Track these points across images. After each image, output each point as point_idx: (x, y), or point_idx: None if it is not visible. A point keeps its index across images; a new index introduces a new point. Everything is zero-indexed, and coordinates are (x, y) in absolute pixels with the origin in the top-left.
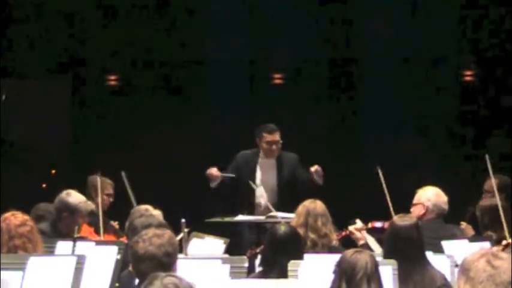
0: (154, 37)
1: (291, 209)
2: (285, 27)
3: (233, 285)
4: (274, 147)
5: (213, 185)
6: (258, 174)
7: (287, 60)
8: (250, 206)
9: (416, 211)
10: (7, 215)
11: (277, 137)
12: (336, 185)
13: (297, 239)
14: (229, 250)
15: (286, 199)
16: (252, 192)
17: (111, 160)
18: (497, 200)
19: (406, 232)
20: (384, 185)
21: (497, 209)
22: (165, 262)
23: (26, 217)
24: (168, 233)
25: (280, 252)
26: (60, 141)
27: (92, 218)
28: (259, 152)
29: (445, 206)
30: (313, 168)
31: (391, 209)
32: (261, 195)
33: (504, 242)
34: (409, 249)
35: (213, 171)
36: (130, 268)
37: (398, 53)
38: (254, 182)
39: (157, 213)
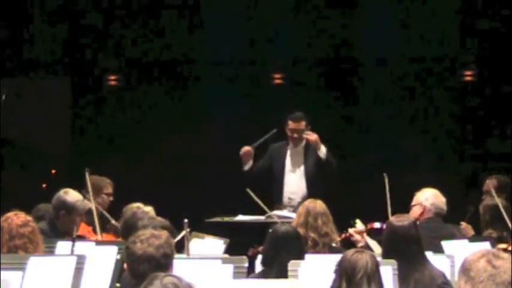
0: (154, 37)
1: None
2: (285, 27)
3: (233, 285)
4: (296, 135)
5: (247, 166)
6: (288, 163)
7: (287, 60)
8: (279, 198)
9: (414, 212)
10: (9, 214)
11: (301, 125)
12: (336, 185)
13: (298, 238)
14: (229, 250)
15: (315, 186)
16: (281, 183)
17: (111, 160)
18: (496, 199)
19: (405, 231)
20: (387, 192)
21: (498, 208)
22: (163, 263)
23: (29, 218)
24: (165, 233)
25: (280, 250)
26: (60, 141)
27: (90, 217)
28: (289, 141)
29: (444, 206)
30: (307, 133)
31: (390, 214)
32: (288, 191)
33: (503, 246)
34: (408, 248)
35: (246, 148)
36: (125, 268)
37: (399, 53)
38: (284, 169)
39: (149, 210)
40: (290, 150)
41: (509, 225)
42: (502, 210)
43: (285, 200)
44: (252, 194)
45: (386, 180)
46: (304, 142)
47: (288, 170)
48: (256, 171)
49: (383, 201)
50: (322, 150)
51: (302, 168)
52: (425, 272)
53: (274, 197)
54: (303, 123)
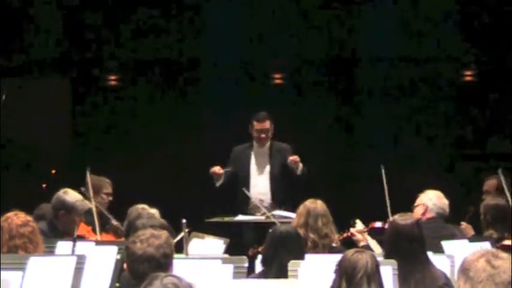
0: (154, 37)
1: (284, 199)
2: (285, 27)
3: (233, 285)
4: (263, 135)
5: (218, 183)
6: (253, 164)
7: (287, 60)
8: (246, 202)
9: (417, 212)
10: (9, 214)
11: (266, 125)
12: (336, 185)
13: (298, 237)
14: (229, 250)
15: (279, 188)
16: (247, 185)
17: (111, 160)
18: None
19: (407, 230)
20: (385, 185)
21: (500, 208)
22: (163, 263)
23: (29, 218)
24: (164, 233)
25: (280, 250)
26: (60, 142)
27: (89, 217)
28: (253, 142)
29: (446, 208)
30: (291, 157)
31: (389, 209)
32: (257, 193)
33: (508, 242)
34: (411, 247)
35: (216, 169)
36: (125, 268)
37: (398, 53)
38: (249, 172)
39: (154, 212)
40: (255, 152)
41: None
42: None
43: (256, 201)
44: (248, 193)
45: (383, 172)
46: (269, 142)
47: (253, 172)
48: (227, 181)
49: (382, 200)
50: (299, 169)
51: (268, 168)
52: (427, 273)
53: (239, 199)
54: (268, 123)
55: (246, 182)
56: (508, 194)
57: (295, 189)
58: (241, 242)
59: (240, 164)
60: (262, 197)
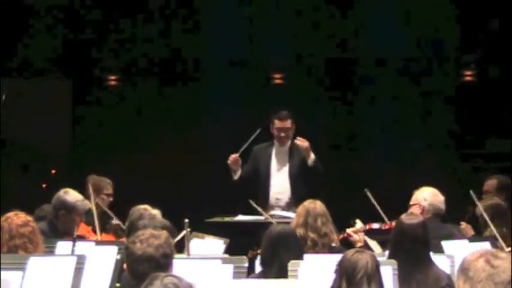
0: (154, 37)
1: (303, 198)
2: (285, 27)
3: (233, 285)
4: (283, 134)
5: (236, 176)
6: (274, 163)
7: (287, 60)
8: (265, 200)
9: (413, 212)
10: (10, 214)
11: (287, 124)
12: (335, 185)
13: (295, 237)
14: (229, 250)
15: (298, 185)
16: (267, 184)
17: (112, 160)
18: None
19: (411, 230)
20: (376, 205)
21: (499, 207)
22: (163, 263)
23: (29, 218)
24: (164, 233)
25: (278, 250)
26: (60, 141)
27: (89, 217)
28: (274, 141)
29: (442, 206)
30: (299, 138)
31: (386, 219)
32: (275, 192)
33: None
34: (413, 247)
35: (233, 157)
36: (125, 268)
37: (398, 53)
38: (269, 170)
39: (156, 212)
40: (275, 150)
41: (493, 229)
42: (485, 215)
43: (272, 200)
44: (254, 204)
45: (370, 195)
46: (290, 141)
47: (273, 171)
48: (244, 177)
49: (381, 201)
50: (311, 158)
51: (287, 167)
52: (429, 273)
53: (260, 198)
54: (289, 122)
55: (266, 180)
56: None
57: (314, 188)
58: (241, 242)
59: (260, 163)
60: (279, 196)
